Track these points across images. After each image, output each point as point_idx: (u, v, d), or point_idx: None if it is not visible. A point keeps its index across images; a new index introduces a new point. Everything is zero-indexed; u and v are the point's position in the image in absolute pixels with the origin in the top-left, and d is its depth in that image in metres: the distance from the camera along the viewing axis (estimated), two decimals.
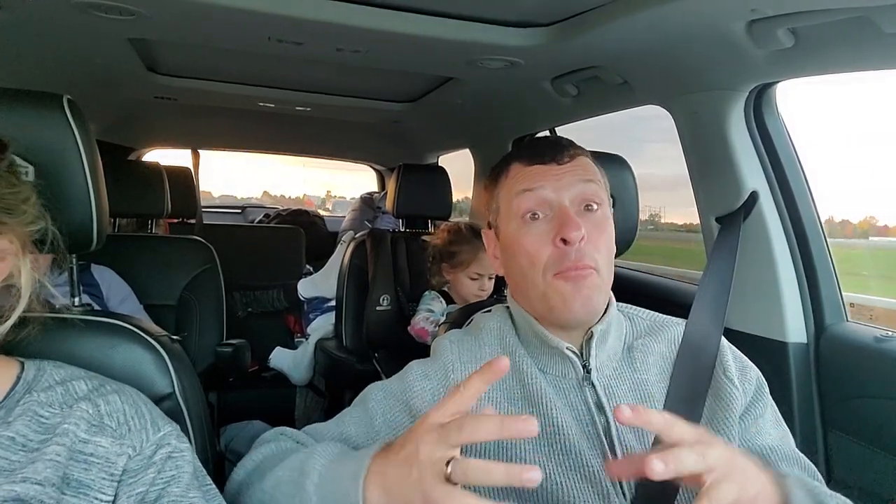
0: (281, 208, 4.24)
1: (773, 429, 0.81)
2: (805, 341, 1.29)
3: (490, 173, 0.90)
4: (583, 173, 0.81)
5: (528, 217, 0.79)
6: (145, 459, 0.62)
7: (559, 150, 0.82)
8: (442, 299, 1.90)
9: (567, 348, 0.79)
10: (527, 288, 0.81)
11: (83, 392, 0.65)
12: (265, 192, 6.20)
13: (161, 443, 0.64)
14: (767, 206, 1.32)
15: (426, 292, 1.94)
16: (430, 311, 1.85)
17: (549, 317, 0.80)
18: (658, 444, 0.76)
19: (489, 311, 0.94)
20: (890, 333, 1.18)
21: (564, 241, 0.76)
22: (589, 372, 0.80)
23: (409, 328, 1.85)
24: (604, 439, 0.76)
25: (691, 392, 0.80)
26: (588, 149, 0.88)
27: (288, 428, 0.82)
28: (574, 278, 0.76)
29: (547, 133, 2.20)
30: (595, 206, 0.80)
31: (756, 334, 1.33)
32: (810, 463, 0.80)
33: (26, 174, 0.72)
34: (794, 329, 1.29)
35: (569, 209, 0.78)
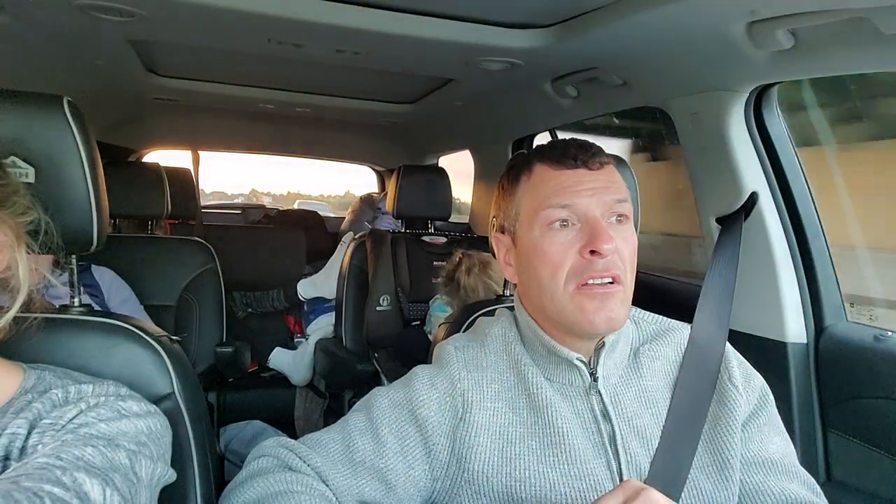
0: (281, 209, 4.25)
1: (775, 440, 0.80)
2: (805, 341, 1.29)
3: (508, 173, 0.86)
4: (614, 182, 0.79)
5: (557, 225, 0.77)
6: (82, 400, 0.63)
7: (590, 155, 0.78)
8: (453, 304, 1.88)
9: (577, 359, 0.78)
10: (543, 299, 0.79)
11: (74, 395, 0.65)
12: (253, 189, 6.19)
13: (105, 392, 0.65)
14: (767, 206, 1.32)
15: (437, 296, 1.92)
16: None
17: (565, 327, 0.78)
18: (660, 455, 0.76)
19: (492, 311, 0.92)
20: (890, 333, 1.18)
21: (594, 251, 0.73)
22: (596, 380, 0.79)
23: (430, 336, 1.83)
24: (608, 448, 0.76)
25: (696, 397, 0.80)
26: None
27: (288, 439, 0.79)
28: (600, 295, 0.74)
29: (548, 134, 2.21)
30: (624, 219, 0.78)
31: (756, 334, 1.33)
32: (810, 477, 0.79)
33: (26, 175, 0.72)
34: (794, 329, 1.29)
35: (601, 220, 0.75)
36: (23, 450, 0.58)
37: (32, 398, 0.62)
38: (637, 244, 0.80)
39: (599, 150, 0.80)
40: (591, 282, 0.75)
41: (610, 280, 0.75)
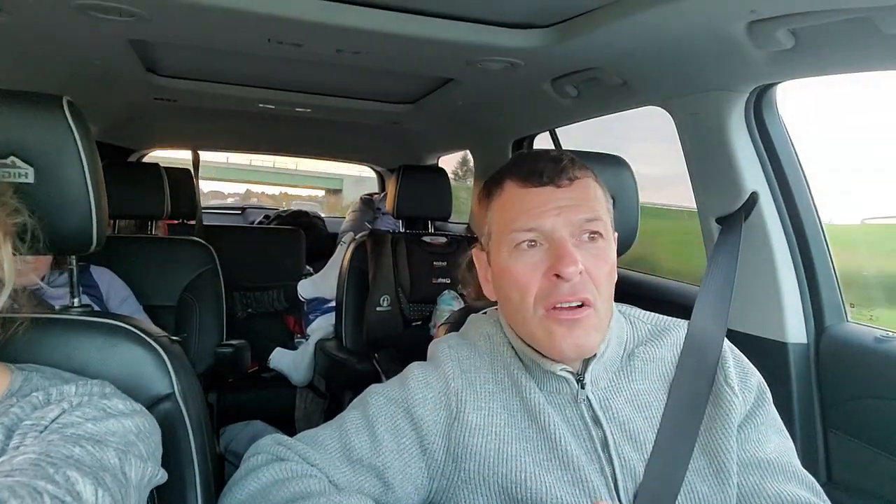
0: (280, 209, 4.25)
1: (773, 439, 0.79)
2: (805, 342, 1.29)
3: (484, 187, 0.84)
4: (585, 200, 0.76)
5: (525, 245, 0.75)
6: (66, 401, 0.62)
7: (559, 172, 0.76)
8: (461, 300, 1.88)
9: (562, 370, 0.77)
10: (517, 320, 0.79)
11: (56, 396, 0.63)
12: (248, 189, 6.24)
13: (88, 391, 0.63)
14: (767, 206, 1.32)
15: (445, 291, 1.92)
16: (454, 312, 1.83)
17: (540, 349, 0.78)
18: (654, 458, 0.76)
19: (485, 313, 0.92)
20: (890, 334, 1.18)
21: (558, 275, 0.72)
22: (584, 387, 0.78)
23: (431, 326, 1.83)
24: (601, 454, 0.75)
25: (692, 398, 0.79)
26: (584, 150, 0.86)
27: (284, 436, 0.80)
28: (568, 322, 0.73)
29: (548, 136, 2.21)
30: (598, 236, 0.76)
31: (756, 335, 1.33)
32: (809, 476, 0.78)
33: (26, 175, 0.72)
34: (795, 329, 1.29)
35: (566, 241, 0.73)
36: (2, 453, 0.57)
37: (15, 402, 0.61)
38: (615, 261, 0.78)
39: (571, 164, 0.78)
40: (559, 305, 0.73)
41: (579, 303, 0.73)
